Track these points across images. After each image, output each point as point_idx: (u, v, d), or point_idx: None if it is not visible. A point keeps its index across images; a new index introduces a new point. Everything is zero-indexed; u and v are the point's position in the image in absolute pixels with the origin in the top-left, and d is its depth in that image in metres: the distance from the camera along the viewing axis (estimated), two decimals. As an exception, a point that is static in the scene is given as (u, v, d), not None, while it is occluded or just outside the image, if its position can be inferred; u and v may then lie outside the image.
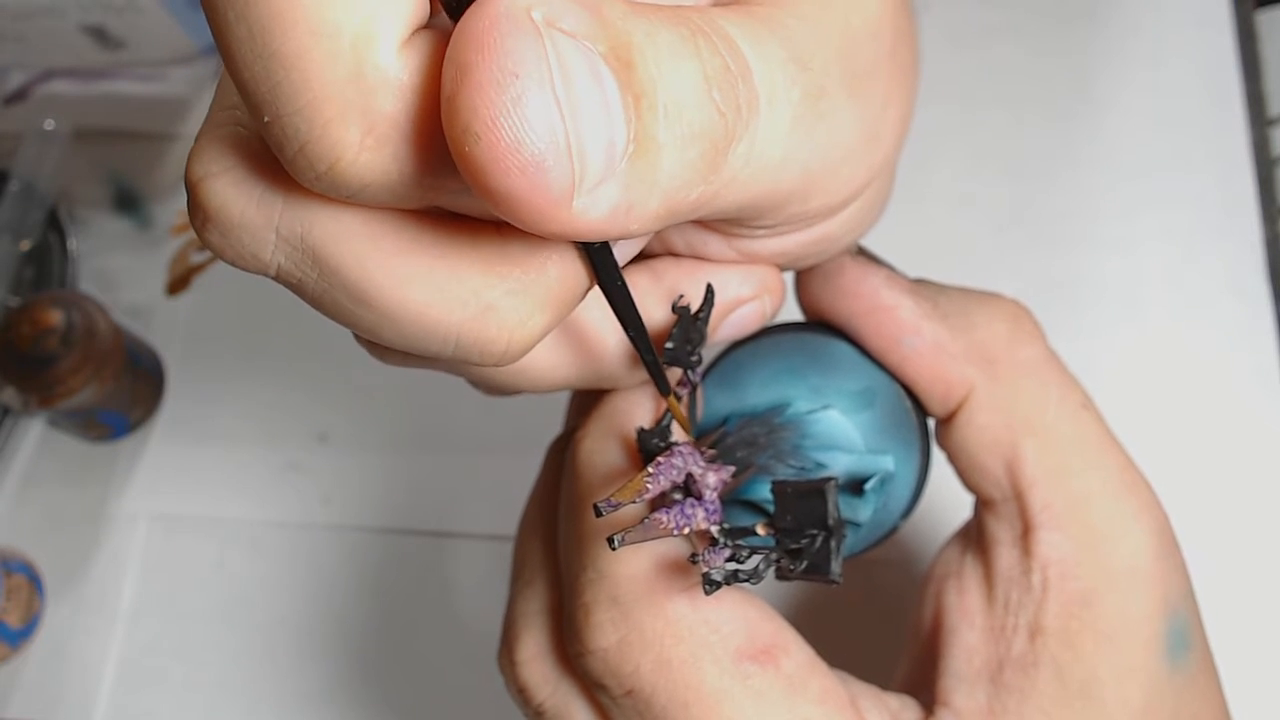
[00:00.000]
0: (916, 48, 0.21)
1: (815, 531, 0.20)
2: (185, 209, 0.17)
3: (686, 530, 0.20)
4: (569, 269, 0.17)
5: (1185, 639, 0.23)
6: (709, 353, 0.24)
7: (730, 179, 0.16)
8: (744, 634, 0.22)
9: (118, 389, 0.49)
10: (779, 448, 0.24)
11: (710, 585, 0.19)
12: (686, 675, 0.21)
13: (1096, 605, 0.23)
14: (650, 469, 0.20)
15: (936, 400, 0.24)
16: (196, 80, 0.59)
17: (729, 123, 0.16)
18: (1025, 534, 0.24)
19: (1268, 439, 0.43)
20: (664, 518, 0.19)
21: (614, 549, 0.18)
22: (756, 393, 0.25)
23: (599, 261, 0.17)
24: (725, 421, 0.25)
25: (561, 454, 0.27)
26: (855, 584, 0.42)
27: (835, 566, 0.20)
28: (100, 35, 0.56)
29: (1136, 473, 0.24)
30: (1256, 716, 0.39)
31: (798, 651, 0.22)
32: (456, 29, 0.13)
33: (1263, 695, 0.39)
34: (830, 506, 0.20)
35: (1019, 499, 0.24)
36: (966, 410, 0.24)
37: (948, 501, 0.27)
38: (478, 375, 0.22)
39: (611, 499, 0.19)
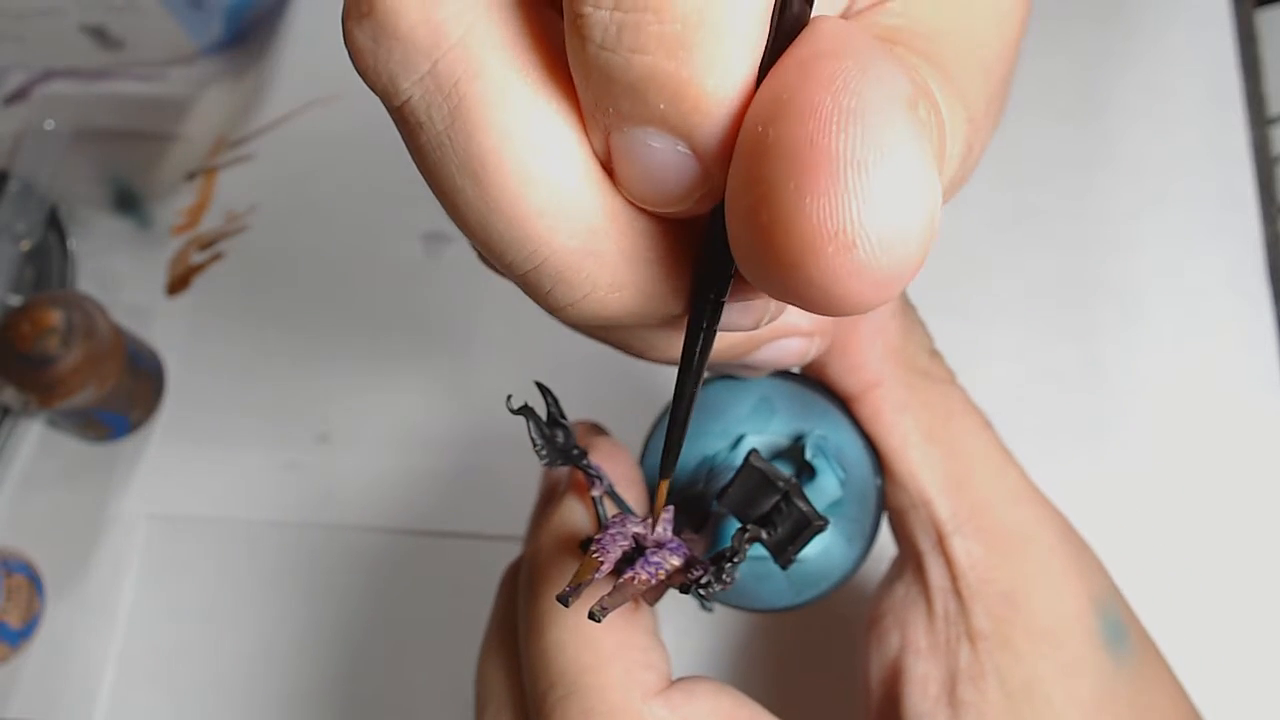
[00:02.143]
0: None
1: (776, 500, 0.20)
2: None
3: (663, 575, 0.19)
4: (669, 292, 0.16)
5: (1121, 631, 0.24)
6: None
7: None
8: None
9: (118, 389, 0.49)
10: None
11: (703, 591, 0.19)
12: None
13: (1022, 605, 0.23)
14: (594, 546, 0.20)
15: (842, 371, 0.25)
16: (196, 80, 0.59)
17: None
18: (940, 541, 0.24)
19: (1268, 439, 0.43)
20: (633, 573, 0.19)
21: (598, 620, 0.18)
22: (679, 467, 0.25)
23: (706, 318, 0.16)
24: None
25: (514, 582, 0.27)
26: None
27: (810, 509, 0.20)
28: (100, 35, 0.56)
29: (1034, 488, 0.25)
30: (1259, 714, 0.39)
31: None
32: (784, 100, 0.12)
33: (1266, 692, 0.39)
34: (766, 471, 0.20)
35: (926, 506, 0.24)
36: (872, 403, 0.25)
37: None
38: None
39: (570, 585, 0.19)
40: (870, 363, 0.24)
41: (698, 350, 0.16)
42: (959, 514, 0.24)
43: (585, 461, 0.23)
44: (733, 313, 0.17)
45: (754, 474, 0.20)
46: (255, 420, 0.51)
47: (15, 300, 0.53)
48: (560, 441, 0.22)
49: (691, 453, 0.25)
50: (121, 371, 0.49)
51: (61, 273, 0.55)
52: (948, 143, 0.15)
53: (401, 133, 0.15)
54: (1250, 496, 0.42)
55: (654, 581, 0.19)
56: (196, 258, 0.55)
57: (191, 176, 0.57)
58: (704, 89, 0.12)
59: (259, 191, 0.56)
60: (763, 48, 0.13)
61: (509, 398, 0.21)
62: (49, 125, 0.58)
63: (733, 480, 0.21)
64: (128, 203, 0.58)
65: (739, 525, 0.21)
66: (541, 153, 0.14)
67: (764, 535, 0.20)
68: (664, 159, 0.13)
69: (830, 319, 0.23)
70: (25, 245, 0.54)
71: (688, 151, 0.13)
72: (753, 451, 0.21)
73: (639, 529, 0.20)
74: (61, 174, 0.56)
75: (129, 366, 0.49)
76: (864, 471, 0.25)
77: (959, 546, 0.24)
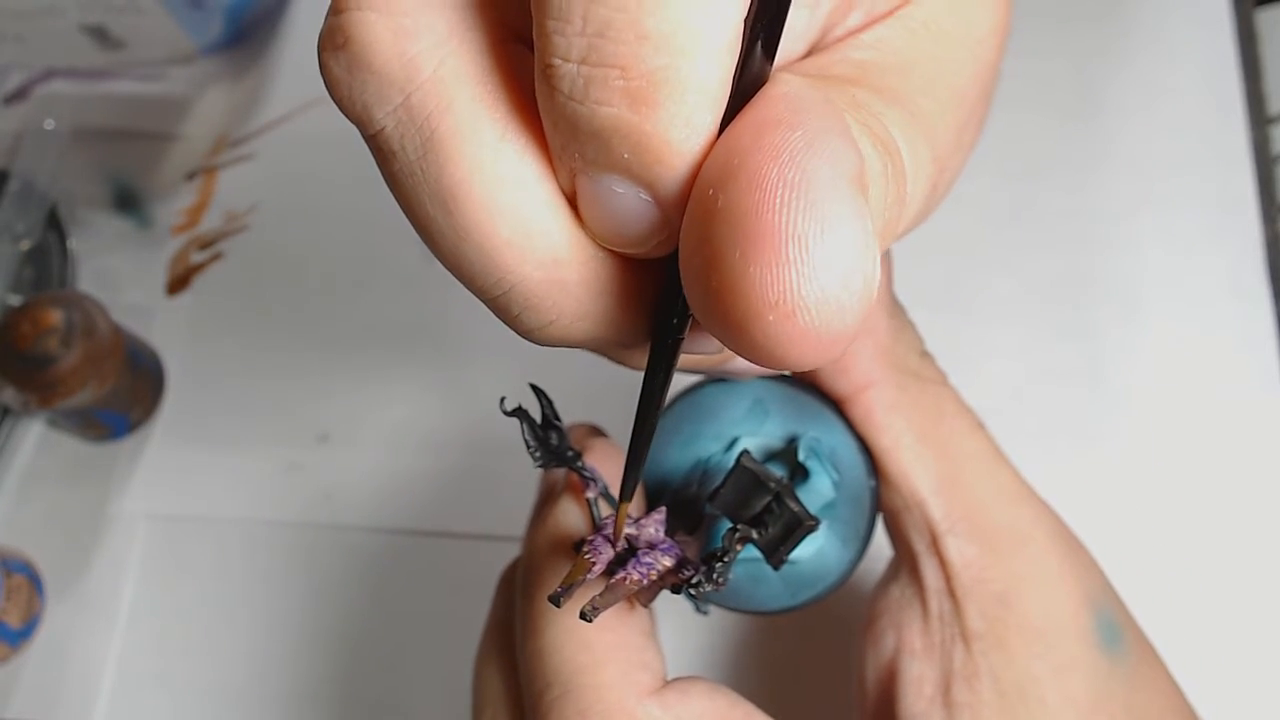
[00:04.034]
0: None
1: (767, 500, 0.20)
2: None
3: (654, 575, 0.19)
4: (633, 322, 0.16)
5: (1115, 631, 0.24)
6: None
7: None
8: None
9: (118, 389, 0.49)
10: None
11: (695, 591, 0.19)
12: None
13: (1015, 605, 0.24)
14: (586, 547, 0.20)
15: (834, 373, 0.25)
16: (196, 80, 0.59)
17: (893, 228, 0.16)
18: (934, 542, 0.24)
19: (1268, 439, 0.43)
20: (625, 573, 0.19)
21: (590, 620, 0.18)
22: (673, 469, 0.26)
23: (665, 354, 0.16)
24: (659, 501, 0.25)
25: (511, 584, 0.27)
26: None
27: (801, 509, 0.20)
28: (100, 35, 0.56)
29: (1027, 487, 0.25)
30: (1257, 714, 0.39)
31: None
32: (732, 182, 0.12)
33: (1264, 692, 0.39)
34: (758, 472, 0.20)
35: (919, 507, 0.24)
36: (864, 404, 0.25)
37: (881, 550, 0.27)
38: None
39: (562, 585, 0.19)
40: (861, 364, 0.25)
41: (658, 384, 0.17)
42: (952, 514, 0.24)
43: (579, 463, 0.23)
44: (696, 339, 0.17)
45: (746, 475, 0.20)
46: (255, 420, 0.51)
47: (15, 300, 0.53)
48: (554, 443, 0.22)
49: (686, 455, 0.25)
50: (121, 371, 0.49)
51: (61, 273, 0.55)
52: (908, 185, 0.16)
53: (376, 159, 0.15)
54: (1250, 496, 0.42)
55: (645, 582, 0.19)
56: (196, 258, 0.55)
57: (191, 176, 0.57)
58: (666, 142, 0.13)
59: (259, 191, 0.56)
60: (725, 103, 0.13)
61: (502, 400, 0.21)
62: (49, 125, 0.58)
63: (725, 481, 0.21)
64: (128, 203, 0.58)
65: (730, 526, 0.21)
66: (509, 186, 0.14)
67: (755, 535, 0.20)
68: (627, 204, 0.14)
69: None
70: (25, 245, 0.54)
71: (649, 199, 0.14)
72: (744, 452, 0.21)
73: (632, 530, 0.20)
74: (61, 174, 0.56)
75: (129, 366, 0.49)
76: (858, 473, 0.25)
77: (952, 547, 0.24)
